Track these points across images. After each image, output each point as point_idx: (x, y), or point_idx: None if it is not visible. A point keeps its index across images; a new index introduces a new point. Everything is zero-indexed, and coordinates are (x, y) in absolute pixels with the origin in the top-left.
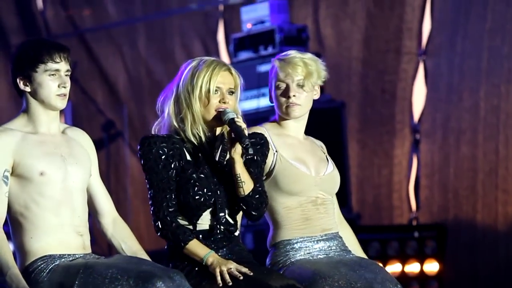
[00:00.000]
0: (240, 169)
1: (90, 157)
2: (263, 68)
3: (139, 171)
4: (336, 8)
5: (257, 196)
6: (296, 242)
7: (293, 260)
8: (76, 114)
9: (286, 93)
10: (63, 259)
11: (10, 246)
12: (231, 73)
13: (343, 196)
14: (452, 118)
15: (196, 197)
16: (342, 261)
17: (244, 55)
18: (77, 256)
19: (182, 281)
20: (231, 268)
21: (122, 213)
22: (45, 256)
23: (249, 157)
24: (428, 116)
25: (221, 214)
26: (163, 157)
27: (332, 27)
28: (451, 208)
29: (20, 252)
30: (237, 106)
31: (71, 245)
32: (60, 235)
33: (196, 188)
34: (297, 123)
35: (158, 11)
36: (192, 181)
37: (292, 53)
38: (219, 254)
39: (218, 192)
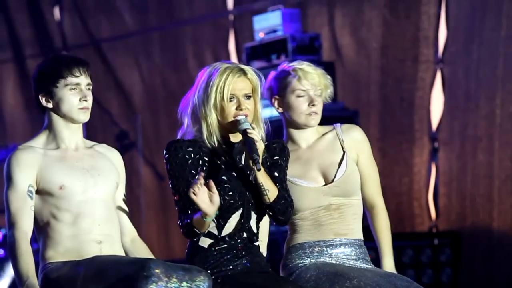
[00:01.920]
0: (262, 177)
1: (119, 173)
2: None
3: (152, 181)
4: (352, 16)
5: (283, 201)
6: (308, 247)
7: (306, 263)
8: (90, 125)
9: (309, 101)
10: (71, 263)
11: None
12: (247, 77)
13: None
14: (469, 126)
15: (227, 198)
16: (365, 268)
17: (256, 64)
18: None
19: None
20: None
21: (135, 223)
22: (55, 261)
23: (273, 161)
24: (446, 124)
25: (248, 218)
26: (189, 161)
27: (350, 36)
28: (468, 216)
29: (42, 257)
30: (259, 107)
31: (84, 252)
32: (73, 243)
33: (227, 189)
34: (306, 132)
35: (171, 21)
36: (222, 183)
37: (305, 63)
38: (237, 262)
39: (247, 194)
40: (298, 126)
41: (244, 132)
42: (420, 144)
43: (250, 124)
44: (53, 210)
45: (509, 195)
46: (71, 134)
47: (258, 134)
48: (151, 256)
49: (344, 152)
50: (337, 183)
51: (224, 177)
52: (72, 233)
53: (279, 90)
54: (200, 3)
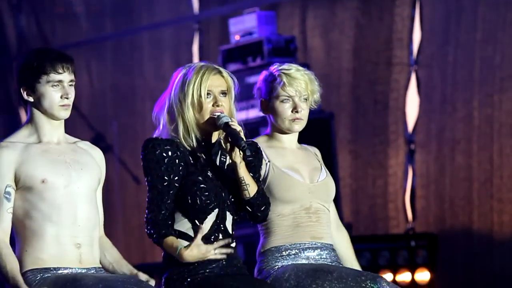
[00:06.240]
0: (244, 172)
1: (101, 171)
2: (252, 79)
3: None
4: (324, 18)
5: (261, 197)
6: (285, 249)
7: (282, 264)
8: None
9: (293, 107)
10: (52, 272)
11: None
12: (222, 75)
13: None
14: (447, 128)
15: (203, 198)
16: (342, 266)
17: (232, 66)
18: (70, 271)
19: None
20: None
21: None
22: (35, 268)
23: (247, 162)
24: (423, 127)
25: (224, 219)
26: (166, 160)
27: (321, 38)
28: (447, 218)
29: (19, 261)
30: (233, 107)
31: (65, 259)
32: (55, 247)
33: (203, 189)
34: (290, 136)
35: (129, 26)
36: (198, 183)
37: (294, 67)
38: (214, 265)
39: (223, 194)
40: (282, 131)
41: (226, 125)
42: (395, 146)
43: (230, 118)
44: (37, 202)
45: (488, 197)
46: (53, 128)
47: (239, 126)
48: (114, 248)
49: (320, 163)
50: (321, 184)
51: (200, 178)
52: (54, 232)
53: (265, 93)
54: (162, 6)
